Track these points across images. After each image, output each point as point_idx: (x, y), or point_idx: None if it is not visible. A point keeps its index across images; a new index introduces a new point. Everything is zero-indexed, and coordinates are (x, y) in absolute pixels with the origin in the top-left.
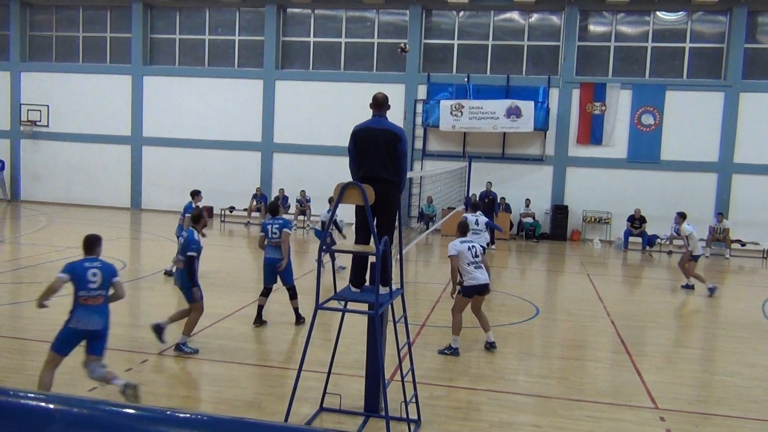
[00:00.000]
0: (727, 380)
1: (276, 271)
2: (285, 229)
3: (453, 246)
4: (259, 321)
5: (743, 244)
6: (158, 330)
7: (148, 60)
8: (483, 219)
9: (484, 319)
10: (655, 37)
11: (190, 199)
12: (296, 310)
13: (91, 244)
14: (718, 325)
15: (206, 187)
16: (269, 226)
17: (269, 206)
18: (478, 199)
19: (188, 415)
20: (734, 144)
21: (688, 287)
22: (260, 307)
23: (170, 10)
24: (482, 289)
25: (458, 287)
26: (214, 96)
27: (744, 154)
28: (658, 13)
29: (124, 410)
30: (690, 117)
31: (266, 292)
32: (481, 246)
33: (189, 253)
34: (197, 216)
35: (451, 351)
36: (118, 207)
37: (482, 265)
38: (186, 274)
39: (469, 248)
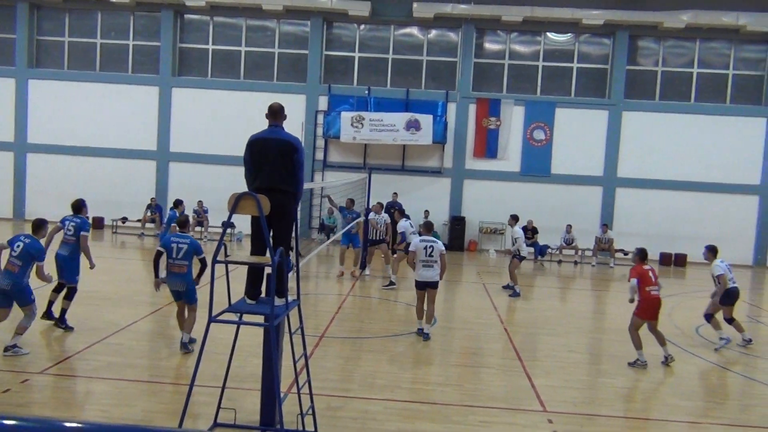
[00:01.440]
0: (609, 382)
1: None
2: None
3: (415, 244)
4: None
5: (626, 254)
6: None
7: (34, 62)
8: (439, 247)
9: (426, 311)
10: (546, 56)
11: (172, 207)
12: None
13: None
14: (603, 330)
15: (97, 197)
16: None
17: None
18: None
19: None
20: (617, 159)
21: (509, 288)
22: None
23: (59, 12)
24: (428, 285)
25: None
26: (107, 102)
27: (626, 169)
28: (548, 33)
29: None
30: (577, 133)
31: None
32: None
33: (202, 256)
34: (184, 221)
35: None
36: None
37: (432, 265)
38: (193, 276)
39: (425, 247)
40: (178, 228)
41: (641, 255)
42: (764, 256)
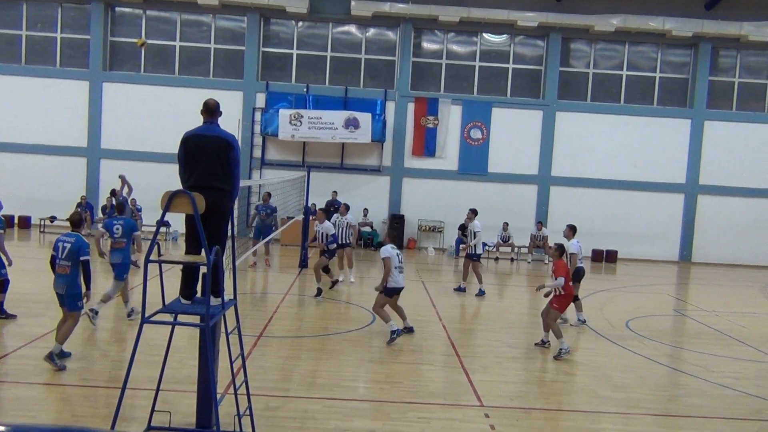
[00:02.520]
0: (543, 376)
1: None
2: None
3: (386, 250)
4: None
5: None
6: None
7: None
8: (401, 257)
9: (402, 311)
10: (482, 56)
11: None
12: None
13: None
14: (538, 326)
15: (25, 195)
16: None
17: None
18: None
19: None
20: (551, 158)
21: (462, 290)
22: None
23: None
24: (400, 291)
25: (382, 288)
26: (33, 97)
27: (560, 167)
28: (484, 34)
29: None
30: (513, 132)
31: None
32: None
33: (86, 258)
34: (77, 220)
35: (396, 333)
36: None
37: (402, 271)
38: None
39: (397, 254)
40: (71, 227)
41: (562, 251)
42: (689, 252)
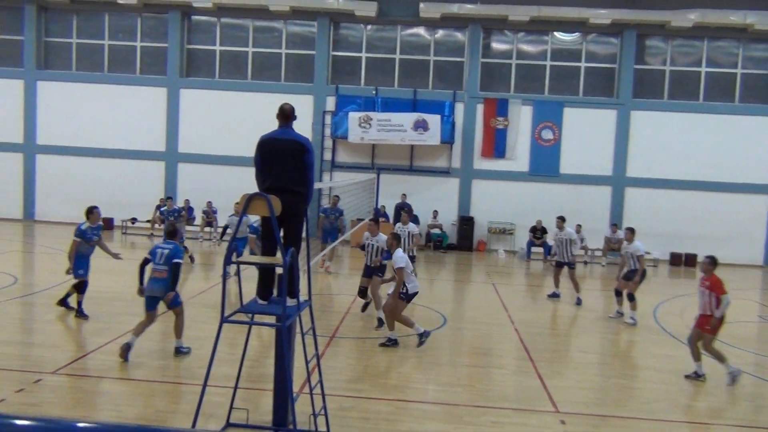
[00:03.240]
0: (621, 383)
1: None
2: (175, 259)
3: (402, 258)
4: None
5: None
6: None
7: (43, 64)
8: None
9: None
10: (553, 56)
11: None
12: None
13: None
14: (614, 330)
15: (107, 198)
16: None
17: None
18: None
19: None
20: (626, 159)
21: (556, 296)
22: None
23: (66, 13)
24: (416, 294)
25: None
26: (115, 103)
27: (635, 168)
28: (555, 33)
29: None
30: (586, 133)
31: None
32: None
33: (175, 261)
34: (172, 231)
35: (425, 335)
36: (8, 218)
37: (415, 274)
38: (170, 281)
39: (408, 259)
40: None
41: (715, 264)
42: None
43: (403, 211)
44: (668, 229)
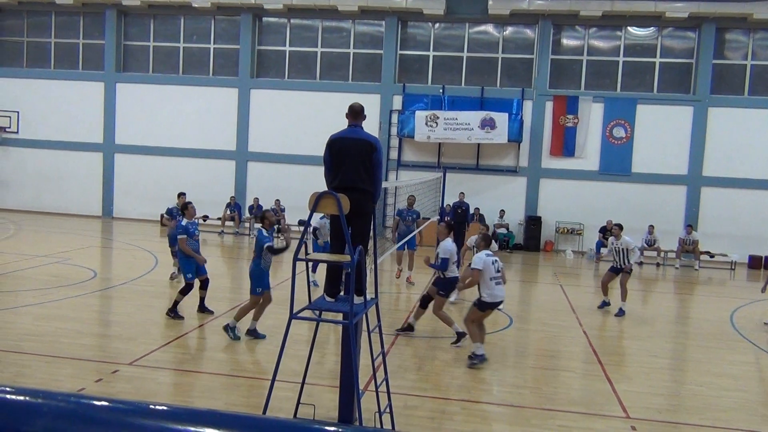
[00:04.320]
0: (696, 390)
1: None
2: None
3: (480, 259)
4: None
5: (712, 256)
6: (253, 333)
7: (122, 67)
8: (500, 264)
9: (483, 332)
10: (627, 51)
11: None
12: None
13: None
14: (688, 335)
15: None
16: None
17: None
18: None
19: (166, 408)
20: (703, 157)
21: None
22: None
23: (144, 17)
24: (498, 305)
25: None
26: (189, 104)
27: (712, 167)
28: (629, 28)
29: (106, 404)
30: (660, 130)
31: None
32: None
33: (267, 244)
34: (262, 216)
35: (478, 359)
36: (88, 215)
37: (502, 281)
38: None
39: (493, 262)
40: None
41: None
42: None
43: (461, 210)
44: (747, 231)
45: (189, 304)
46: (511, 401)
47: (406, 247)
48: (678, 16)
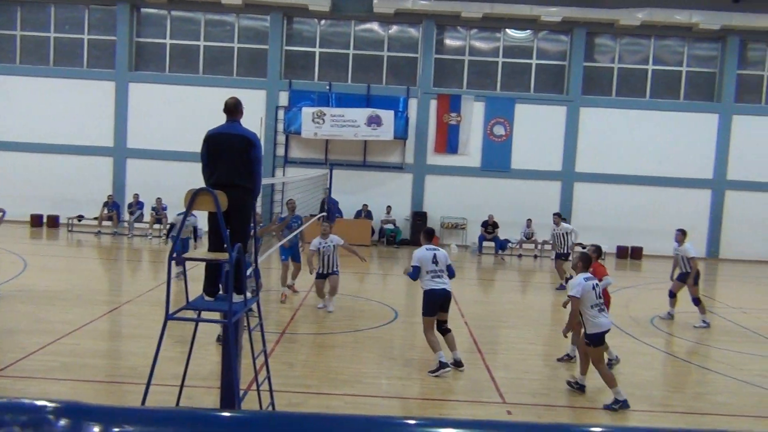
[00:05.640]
0: (568, 374)
1: None
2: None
3: (579, 285)
4: None
5: (584, 247)
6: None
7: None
8: (442, 254)
9: (586, 363)
10: (505, 52)
11: None
12: None
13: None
14: (562, 323)
15: (52, 194)
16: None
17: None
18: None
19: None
20: (575, 154)
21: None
22: None
23: (9, 5)
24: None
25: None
26: (61, 97)
27: (584, 163)
28: (507, 30)
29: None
30: (536, 129)
31: None
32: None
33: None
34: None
35: (620, 404)
36: None
37: (605, 307)
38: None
39: (593, 287)
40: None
41: (600, 252)
42: (716, 248)
43: (325, 209)
44: (615, 223)
45: (59, 309)
46: (397, 393)
47: (290, 258)
48: (552, 20)
